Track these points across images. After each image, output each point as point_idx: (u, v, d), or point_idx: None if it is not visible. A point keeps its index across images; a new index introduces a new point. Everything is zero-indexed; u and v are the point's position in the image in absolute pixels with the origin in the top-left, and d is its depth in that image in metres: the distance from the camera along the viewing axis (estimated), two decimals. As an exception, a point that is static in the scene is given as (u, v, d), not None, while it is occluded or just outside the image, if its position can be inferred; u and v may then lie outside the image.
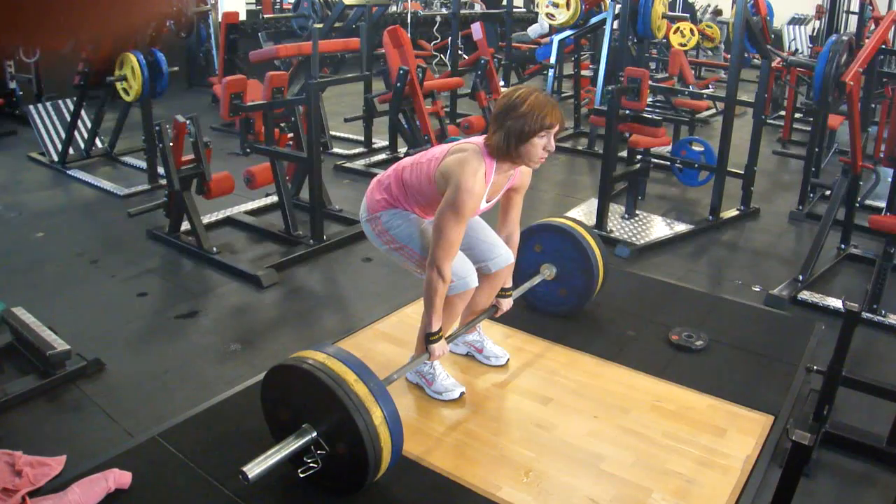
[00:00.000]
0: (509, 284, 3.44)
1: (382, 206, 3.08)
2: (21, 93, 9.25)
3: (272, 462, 2.46)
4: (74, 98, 7.38)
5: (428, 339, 3.02)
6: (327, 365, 2.54)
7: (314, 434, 2.56)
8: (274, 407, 2.77)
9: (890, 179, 4.81)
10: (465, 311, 3.48)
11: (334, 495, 2.70)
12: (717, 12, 13.73)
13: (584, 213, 5.94)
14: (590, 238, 3.85)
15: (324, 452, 2.57)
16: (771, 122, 8.89)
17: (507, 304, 3.44)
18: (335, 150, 7.86)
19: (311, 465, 2.57)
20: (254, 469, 2.40)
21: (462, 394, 3.26)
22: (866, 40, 5.21)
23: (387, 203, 3.07)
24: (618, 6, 6.17)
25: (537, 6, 8.41)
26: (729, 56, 6.97)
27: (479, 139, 2.91)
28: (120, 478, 2.73)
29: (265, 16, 11.39)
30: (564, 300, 3.98)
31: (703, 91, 8.10)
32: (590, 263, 3.82)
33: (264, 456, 2.46)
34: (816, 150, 6.26)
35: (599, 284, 3.92)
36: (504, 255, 3.27)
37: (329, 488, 2.69)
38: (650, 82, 5.83)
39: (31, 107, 7.65)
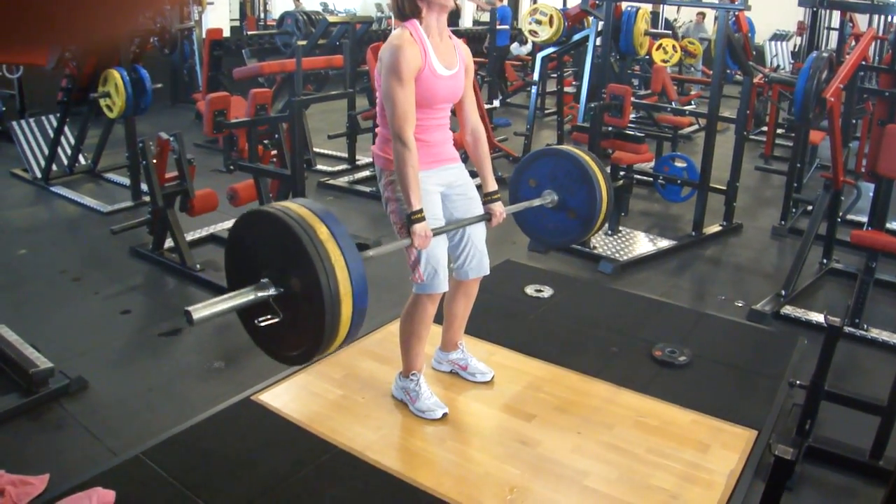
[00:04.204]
0: (496, 190, 3.28)
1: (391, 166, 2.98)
2: (4, 109, 9.22)
3: (220, 308, 2.33)
4: (58, 114, 7.37)
5: (410, 220, 2.87)
6: (298, 212, 2.37)
7: (273, 289, 2.40)
8: (236, 264, 2.59)
9: (871, 194, 4.86)
10: (446, 325, 3.51)
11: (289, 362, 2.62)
12: (701, 15, 13.80)
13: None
14: (581, 153, 3.58)
15: (277, 293, 2.39)
16: (753, 137, 8.96)
17: (498, 208, 3.22)
18: (319, 166, 7.86)
19: (271, 317, 2.41)
20: (200, 311, 2.27)
21: (444, 415, 3.25)
22: (847, 56, 5.27)
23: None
24: (600, 23, 6.22)
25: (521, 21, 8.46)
26: (708, 70, 7.03)
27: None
28: (103, 497, 2.72)
29: (249, 32, 11.44)
30: (575, 221, 3.62)
31: (686, 107, 8.16)
32: (586, 172, 3.48)
33: (215, 300, 2.34)
34: (798, 165, 6.32)
35: (605, 193, 3.52)
36: (479, 267, 3.29)
37: (285, 357, 2.58)
38: (633, 99, 5.88)
39: (14, 123, 7.63)
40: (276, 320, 2.41)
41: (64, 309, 4.57)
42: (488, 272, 3.35)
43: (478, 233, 3.25)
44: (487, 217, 3.20)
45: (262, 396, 3.37)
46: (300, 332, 2.43)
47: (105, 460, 3.04)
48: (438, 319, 3.44)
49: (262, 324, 2.41)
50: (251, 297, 2.38)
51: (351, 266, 2.34)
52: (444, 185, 3.10)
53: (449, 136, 3.13)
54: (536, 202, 3.56)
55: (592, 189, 3.45)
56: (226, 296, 2.38)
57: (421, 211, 2.86)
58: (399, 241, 2.93)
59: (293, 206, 2.41)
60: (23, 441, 3.24)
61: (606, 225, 5.83)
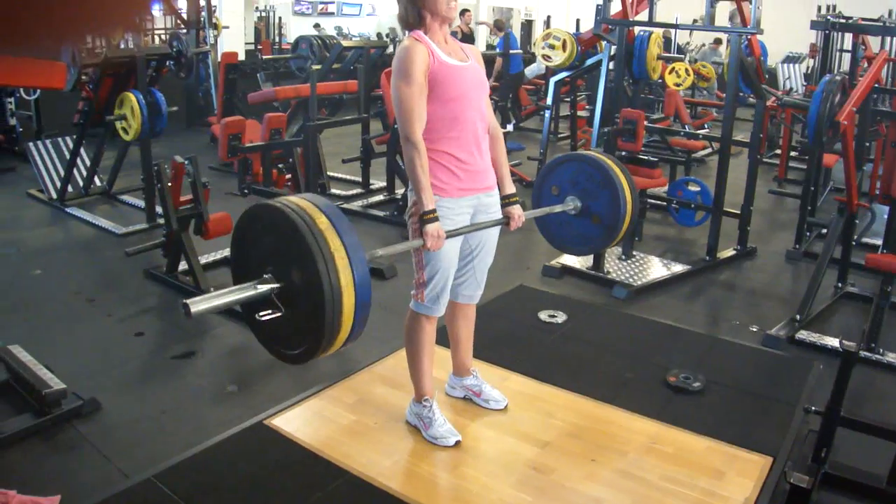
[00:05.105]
0: (514, 193, 3.25)
1: None
2: (21, 129, 9.32)
3: (220, 302, 2.30)
4: (74, 136, 7.42)
5: (422, 220, 2.86)
6: (298, 204, 2.38)
7: (274, 283, 2.38)
8: (241, 260, 2.57)
9: (886, 217, 4.83)
10: (452, 348, 3.51)
11: (290, 362, 2.55)
12: (717, 41, 13.76)
13: (581, 252, 5.93)
14: (604, 157, 3.59)
15: (278, 287, 2.37)
16: (767, 160, 8.95)
17: (517, 211, 3.20)
18: (333, 191, 7.88)
19: (272, 312, 2.38)
20: (198, 305, 2.24)
21: (458, 442, 3.23)
22: (859, 79, 5.26)
23: None
24: (613, 48, 6.23)
25: (534, 46, 8.50)
26: (724, 94, 7.02)
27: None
28: (114, 521, 2.72)
29: (264, 57, 11.51)
30: (599, 227, 3.59)
31: (699, 131, 8.16)
32: (609, 176, 3.47)
33: (214, 294, 2.32)
34: (812, 188, 6.30)
35: (629, 197, 3.51)
36: (471, 296, 3.32)
37: (285, 355, 2.53)
38: (646, 123, 5.88)
39: (31, 144, 7.70)
40: (277, 315, 2.37)
41: (78, 330, 4.59)
42: (477, 301, 3.37)
43: (482, 265, 3.26)
44: (505, 221, 3.19)
45: (274, 421, 3.37)
46: (302, 328, 2.40)
47: (117, 482, 3.04)
48: (447, 343, 3.49)
49: (264, 318, 2.38)
50: (251, 291, 2.36)
51: (352, 256, 2.31)
52: (473, 210, 3.10)
53: (488, 163, 3.12)
54: (558, 208, 3.56)
55: (615, 193, 3.45)
56: (226, 290, 2.37)
57: (434, 211, 2.86)
58: (410, 242, 2.94)
59: (294, 199, 2.41)
60: (35, 462, 3.25)
61: (620, 250, 5.84)
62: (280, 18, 18.11)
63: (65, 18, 0.85)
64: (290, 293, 2.37)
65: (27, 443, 3.36)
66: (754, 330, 4.75)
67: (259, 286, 2.37)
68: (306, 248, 2.25)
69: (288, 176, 5.66)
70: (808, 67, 14.39)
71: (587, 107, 10.59)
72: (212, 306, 2.29)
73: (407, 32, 2.97)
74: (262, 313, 2.38)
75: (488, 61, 12.69)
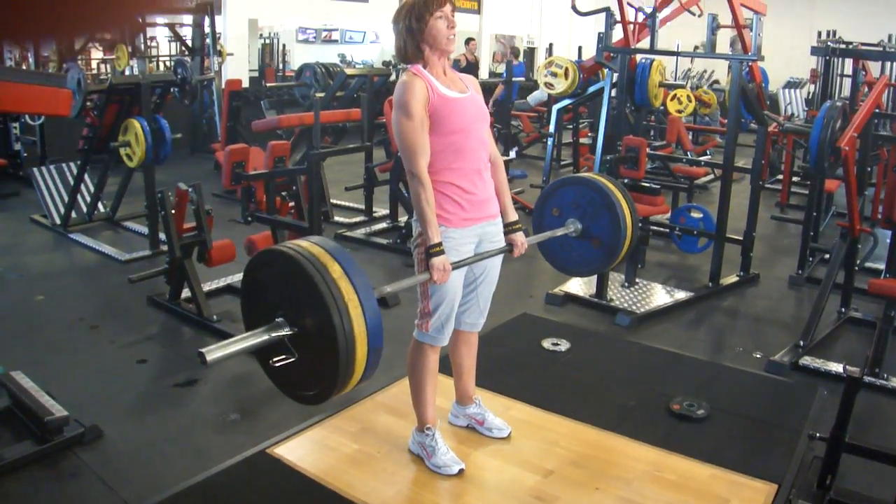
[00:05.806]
0: (517, 220, 3.29)
1: None
2: (25, 155, 9.37)
3: (234, 349, 2.33)
4: (78, 162, 7.46)
5: (429, 253, 2.88)
6: (310, 251, 2.40)
7: (287, 329, 2.40)
8: (252, 304, 2.60)
9: (888, 241, 4.83)
10: (455, 376, 3.50)
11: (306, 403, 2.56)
12: (716, 81, 13.85)
13: (583, 281, 5.91)
14: (605, 180, 3.62)
15: (292, 332, 2.39)
16: (769, 186, 8.95)
17: (520, 238, 3.23)
18: (336, 218, 7.89)
19: (286, 357, 2.41)
20: (213, 353, 2.26)
21: (461, 470, 3.21)
22: (860, 104, 5.28)
23: None
24: (615, 75, 6.27)
25: (537, 73, 8.54)
26: (725, 120, 7.03)
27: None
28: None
29: (268, 84, 11.57)
30: (600, 250, 3.62)
31: (701, 158, 8.18)
32: (609, 199, 3.49)
33: (228, 341, 2.34)
34: (814, 214, 6.30)
35: (628, 220, 3.54)
36: (474, 324, 3.33)
37: (302, 397, 2.55)
38: (648, 150, 5.89)
39: (35, 169, 7.74)
40: (290, 360, 2.40)
41: (80, 357, 4.58)
42: (480, 329, 3.38)
43: (486, 292, 3.27)
44: (508, 248, 3.21)
45: (277, 450, 3.36)
46: (316, 372, 2.43)
47: (119, 512, 3.04)
48: (450, 371, 3.48)
49: (277, 364, 2.41)
50: (264, 337, 2.39)
51: (365, 304, 2.35)
52: (478, 239, 3.11)
53: (492, 192, 3.13)
54: (560, 231, 3.57)
55: (615, 216, 3.47)
56: (239, 336, 2.39)
57: (440, 245, 2.87)
58: (417, 276, 2.94)
59: (305, 245, 2.43)
60: (36, 490, 3.24)
61: (623, 277, 5.83)
62: (284, 46, 18.22)
63: (62, 14, 0.86)
64: (304, 339, 2.40)
65: (28, 470, 3.34)
66: (758, 356, 4.73)
67: (272, 332, 2.40)
68: (320, 298, 2.28)
69: (291, 203, 5.66)
70: (809, 93, 14.44)
71: (589, 134, 10.63)
72: (227, 353, 2.31)
73: (406, 66, 2.99)
74: (275, 359, 2.41)
75: (489, 88, 12.80)
